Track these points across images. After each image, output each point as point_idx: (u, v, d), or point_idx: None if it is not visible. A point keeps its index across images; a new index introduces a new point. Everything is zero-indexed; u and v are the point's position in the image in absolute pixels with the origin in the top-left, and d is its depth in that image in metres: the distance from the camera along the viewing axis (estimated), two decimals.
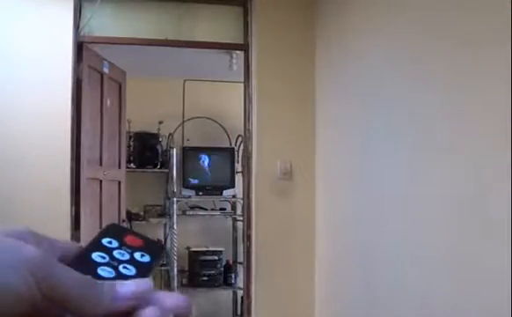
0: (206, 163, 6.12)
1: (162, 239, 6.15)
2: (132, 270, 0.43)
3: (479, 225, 2.37)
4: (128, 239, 0.46)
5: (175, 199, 5.85)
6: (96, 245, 0.45)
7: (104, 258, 0.44)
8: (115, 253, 0.45)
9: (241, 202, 5.07)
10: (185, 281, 6.00)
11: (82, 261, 0.43)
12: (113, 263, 0.44)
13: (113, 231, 0.47)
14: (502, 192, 2.19)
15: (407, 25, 3.01)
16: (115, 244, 0.45)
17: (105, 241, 0.45)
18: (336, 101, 3.92)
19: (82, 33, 4.04)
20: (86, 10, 4.05)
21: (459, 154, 2.52)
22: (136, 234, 0.47)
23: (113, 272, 0.43)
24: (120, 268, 0.43)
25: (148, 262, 0.45)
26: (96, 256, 0.44)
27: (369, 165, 3.39)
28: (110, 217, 4.61)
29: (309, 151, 4.18)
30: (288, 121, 4.19)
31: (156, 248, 0.47)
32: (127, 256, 0.45)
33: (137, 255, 0.45)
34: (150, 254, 0.45)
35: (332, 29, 3.98)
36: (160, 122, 6.05)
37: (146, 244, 0.46)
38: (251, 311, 4.18)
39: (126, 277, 0.43)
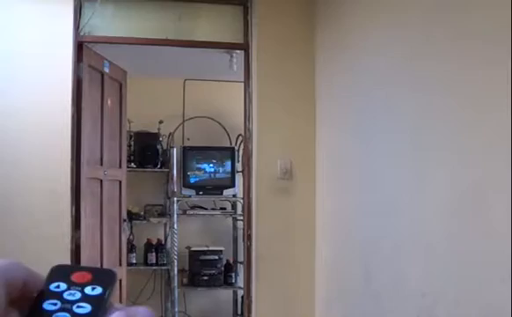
0: (206, 162, 6.13)
1: (162, 238, 6.15)
2: (87, 307, 0.44)
3: (479, 223, 2.37)
4: (76, 277, 0.46)
5: (175, 198, 5.86)
6: (45, 293, 0.45)
7: (55, 305, 0.44)
8: (65, 295, 0.45)
9: (241, 201, 5.07)
10: (185, 280, 6.01)
11: (35, 314, 0.44)
12: (66, 306, 0.44)
13: (59, 273, 0.47)
14: (503, 190, 2.19)
15: (407, 26, 3.01)
16: (63, 286, 0.46)
17: (52, 287, 0.45)
18: (336, 100, 3.92)
19: (82, 33, 4.04)
20: (86, 9, 4.05)
21: (460, 153, 2.52)
22: (83, 269, 0.47)
23: (69, 315, 0.44)
24: (75, 308, 0.44)
25: (100, 294, 0.45)
26: (47, 305, 0.44)
27: (370, 164, 3.39)
28: (110, 217, 4.61)
29: (309, 151, 4.18)
30: (288, 120, 4.19)
31: (107, 277, 0.47)
32: (78, 295, 0.45)
33: (88, 290, 0.45)
34: (101, 285, 0.46)
35: (332, 29, 3.98)
36: (160, 122, 6.05)
37: (95, 275, 0.47)
38: (251, 310, 4.18)
39: (82, 316, 0.44)
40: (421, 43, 2.83)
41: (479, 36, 2.38)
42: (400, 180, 3.05)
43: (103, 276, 0.47)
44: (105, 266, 4.46)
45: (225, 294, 6.24)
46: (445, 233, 2.60)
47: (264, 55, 4.18)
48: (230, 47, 4.61)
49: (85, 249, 4.07)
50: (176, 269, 5.84)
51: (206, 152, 6.17)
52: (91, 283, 0.46)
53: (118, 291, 4.70)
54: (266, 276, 4.16)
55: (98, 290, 0.45)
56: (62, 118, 3.91)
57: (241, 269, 5.29)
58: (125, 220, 4.94)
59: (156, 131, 6.06)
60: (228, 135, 6.28)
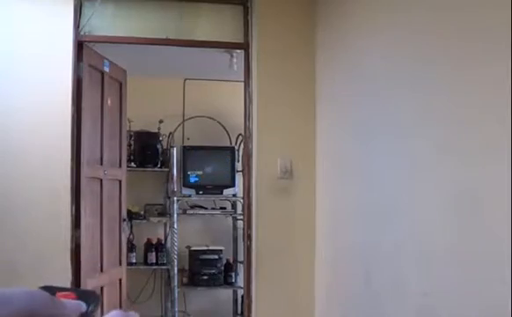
0: (206, 162, 6.13)
1: (162, 238, 6.15)
2: None
3: (479, 223, 2.37)
4: (60, 296, 0.47)
5: (175, 198, 5.86)
6: None
7: None
8: None
9: (241, 201, 5.08)
10: (185, 280, 6.01)
11: None
12: None
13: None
14: (503, 190, 2.19)
15: (408, 25, 3.00)
16: None
17: None
18: (336, 100, 3.92)
19: (82, 32, 4.04)
20: (86, 9, 4.06)
21: (459, 153, 2.52)
22: (68, 289, 0.48)
23: None
24: None
25: (84, 310, 0.47)
26: None
27: (370, 164, 3.39)
28: (110, 216, 4.61)
29: (309, 150, 4.18)
30: (288, 120, 4.19)
31: (90, 297, 0.49)
32: None
33: None
34: (85, 302, 0.47)
35: (332, 28, 3.98)
36: (160, 121, 6.05)
37: (79, 295, 0.48)
38: (251, 310, 4.19)
39: None
40: (422, 43, 2.83)
41: (479, 36, 2.38)
42: (400, 180, 3.04)
43: (86, 296, 0.48)
44: (104, 265, 4.46)
45: (225, 294, 6.24)
46: (445, 233, 2.60)
47: (264, 54, 4.18)
48: (230, 46, 4.61)
49: (85, 249, 4.07)
50: (176, 269, 5.84)
51: (206, 152, 6.17)
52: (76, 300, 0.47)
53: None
54: (266, 275, 4.17)
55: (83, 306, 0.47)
56: (62, 118, 3.91)
57: (241, 268, 5.29)
58: (125, 219, 4.94)
59: (156, 131, 6.06)
60: (228, 134, 6.28)
